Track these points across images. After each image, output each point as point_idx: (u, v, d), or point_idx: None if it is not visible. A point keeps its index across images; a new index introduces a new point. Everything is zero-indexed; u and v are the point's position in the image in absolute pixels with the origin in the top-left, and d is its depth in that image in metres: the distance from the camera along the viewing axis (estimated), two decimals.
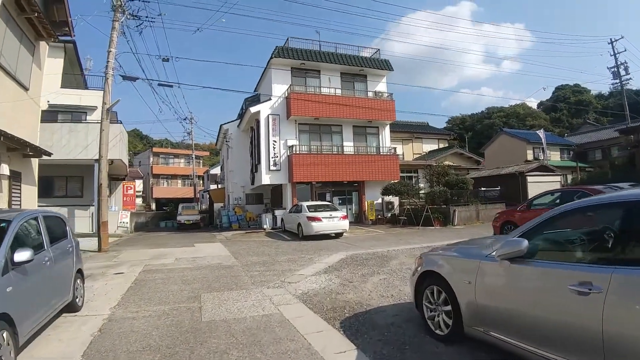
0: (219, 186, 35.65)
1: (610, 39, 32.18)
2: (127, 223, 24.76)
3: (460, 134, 53.30)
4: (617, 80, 31.99)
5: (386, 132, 25.16)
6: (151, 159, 60.94)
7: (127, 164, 23.70)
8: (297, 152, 21.84)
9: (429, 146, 34.37)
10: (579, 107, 68.89)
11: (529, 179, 24.18)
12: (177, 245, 15.82)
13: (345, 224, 15.61)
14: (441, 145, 34.85)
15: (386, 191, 21.99)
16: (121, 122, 23.65)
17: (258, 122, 22.59)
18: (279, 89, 22.85)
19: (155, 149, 64.31)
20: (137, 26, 17.30)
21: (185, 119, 42.42)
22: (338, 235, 16.04)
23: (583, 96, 74.16)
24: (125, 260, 11.58)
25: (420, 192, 23.29)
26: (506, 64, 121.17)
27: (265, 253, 12.14)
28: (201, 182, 59.81)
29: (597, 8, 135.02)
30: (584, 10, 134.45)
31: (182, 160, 63.12)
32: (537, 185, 24.36)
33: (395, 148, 25.06)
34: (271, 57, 22.41)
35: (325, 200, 21.54)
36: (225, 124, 28.03)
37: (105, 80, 15.95)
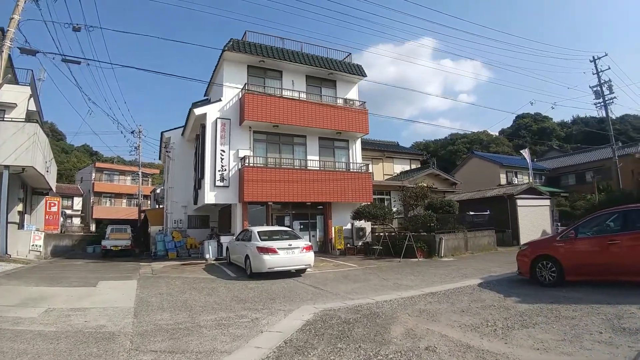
0: (160, 206, 30.80)
1: (593, 57, 30.43)
2: (40, 247, 19.78)
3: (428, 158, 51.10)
4: (600, 100, 30.05)
5: (357, 146, 21.58)
6: (93, 175, 54.84)
7: (44, 174, 18.97)
8: (251, 164, 17.76)
9: (400, 166, 31.14)
10: (542, 134, 69.12)
11: (519, 202, 21.14)
12: (76, 282, 11.32)
13: (309, 258, 11.55)
14: (413, 166, 31.71)
15: (358, 215, 18.19)
16: (37, 122, 18.95)
17: (204, 127, 18.39)
18: (232, 89, 18.88)
19: (98, 164, 58.10)
20: None
21: (132, 132, 37.75)
22: (299, 271, 11.95)
23: (545, 124, 75.23)
24: None
25: (398, 216, 19.64)
26: (474, 92, 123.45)
27: (187, 305, 7.87)
28: (148, 202, 54.26)
29: (579, 26, 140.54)
30: (564, 29, 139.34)
31: (129, 178, 57.28)
32: (528, 210, 21.49)
33: (368, 164, 21.47)
34: (223, 50, 18.47)
35: (283, 225, 17.49)
36: (167, 131, 23.57)
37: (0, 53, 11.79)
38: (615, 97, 29.88)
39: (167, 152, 23.13)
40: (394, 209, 21.17)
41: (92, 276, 12.90)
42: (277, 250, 11.02)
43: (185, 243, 20.74)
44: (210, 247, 17.67)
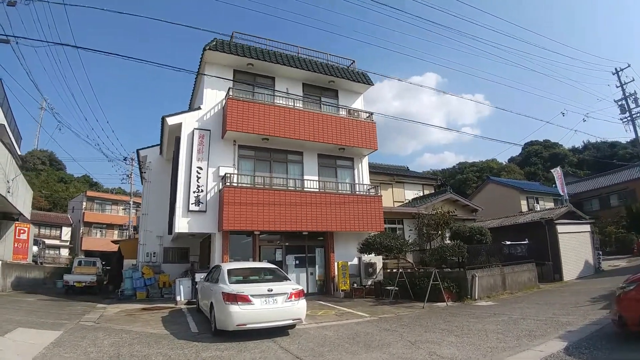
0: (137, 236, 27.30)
1: (616, 69, 27.44)
2: None
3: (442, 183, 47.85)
4: (626, 114, 26.83)
5: (364, 165, 18.25)
6: (84, 204, 51.68)
7: (4, 194, 16.04)
8: (233, 184, 14.42)
9: (412, 192, 27.67)
10: (556, 159, 65.89)
11: (559, 228, 17.53)
12: None
13: (298, 309, 7.91)
14: (426, 192, 28.22)
15: (366, 247, 14.63)
16: None
17: (179, 140, 15.18)
18: (214, 97, 15.84)
19: (89, 193, 55.12)
20: None
21: (125, 159, 34.91)
22: (287, 328, 8.33)
23: (556, 150, 72.33)
24: None
25: (415, 248, 16.08)
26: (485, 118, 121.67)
27: None
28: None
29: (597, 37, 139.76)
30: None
31: (121, 208, 54.11)
32: (569, 237, 17.99)
33: (377, 187, 18.04)
34: (204, 50, 15.50)
35: (274, 261, 13.99)
36: (143, 148, 20.34)
37: None
38: None
39: (142, 172, 19.84)
40: (410, 240, 17.60)
41: (20, 319, 9.81)
42: (250, 298, 7.47)
43: (157, 281, 17.20)
44: (181, 287, 14.10)
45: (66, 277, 19.82)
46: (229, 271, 8.61)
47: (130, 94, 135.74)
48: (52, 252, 47.64)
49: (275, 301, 7.67)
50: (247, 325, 7.40)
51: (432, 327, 8.41)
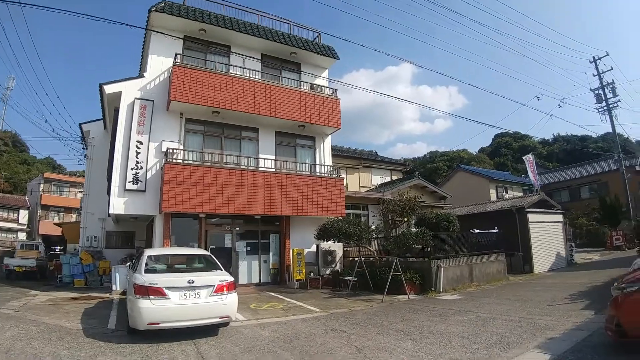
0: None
1: (593, 57, 26.92)
2: None
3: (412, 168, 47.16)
4: (603, 104, 26.39)
5: (326, 145, 16.97)
6: (42, 186, 48.80)
7: None
8: (178, 160, 12.89)
9: (379, 178, 26.64)
10: (523, 151, 66.40)
11: (531, 217, 16.76)
12: None
13: (225, 305, 6.51)
14: (394, 178, 27.23)
15: (324, 233, 13.44)
16: None
17: (117, 112, 13.47)
18: (160, 64, 14.16)
19: (47, 175, 52.19)
20: None
21: (82, 139, 32.37)
22: (218, 326, 6.96)
23: (525, 142, 72.99)
24: None
25: (379, 235, 14.98)
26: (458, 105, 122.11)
27: None
28: None
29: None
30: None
31: (79, 190, 51.35)
32: (540, 227, 17.26)
33: (339, 167, 16.80)
34: (150, 11, 13.72)
35: (221, 248, 12.64)
36: (86, 123, 18.41)
37: None
38: (619, 101, 26.39)
39: (83, 149, 17.99)
40: (373, 226, 16.48)
41: None
42: (165, 291, 6.09)
43: (96, 267, 15.60)
44: (117, 274, 12.60)
45: (6, 260, 18.46)
46: (149, 258, 7.20)
47: (88, 67, 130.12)
48: (9, 235, 45.21)
49: (197, 295, 6.32)
50: (161, 325, 6.03)
51: (387, 328, 7.22)
